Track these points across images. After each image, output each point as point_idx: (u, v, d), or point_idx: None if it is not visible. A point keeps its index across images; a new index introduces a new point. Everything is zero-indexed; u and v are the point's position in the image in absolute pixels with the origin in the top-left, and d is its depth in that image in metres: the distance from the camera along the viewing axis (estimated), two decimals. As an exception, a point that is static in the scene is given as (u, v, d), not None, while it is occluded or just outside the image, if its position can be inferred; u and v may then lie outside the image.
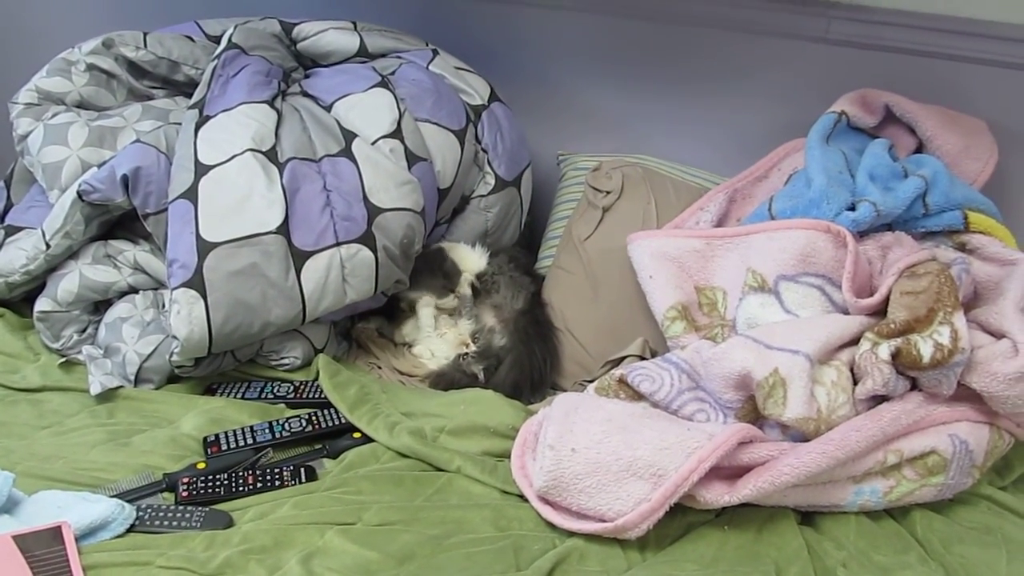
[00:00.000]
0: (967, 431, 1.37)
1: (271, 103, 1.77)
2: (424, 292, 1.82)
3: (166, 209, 1.66)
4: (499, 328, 1.82)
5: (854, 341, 1.44)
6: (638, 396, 1.48)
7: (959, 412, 1.39)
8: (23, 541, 1.17)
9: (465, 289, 1.85)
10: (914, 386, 1.41)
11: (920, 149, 1.75)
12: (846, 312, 1.50)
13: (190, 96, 1.84)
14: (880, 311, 1.47)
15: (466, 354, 1.78)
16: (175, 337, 1.58)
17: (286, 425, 1.54)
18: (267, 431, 1.52)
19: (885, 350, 1.37)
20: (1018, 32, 1.68)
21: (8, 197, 1.95)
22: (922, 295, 1.40)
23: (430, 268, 1.83)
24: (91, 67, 1.90)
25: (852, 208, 1.57)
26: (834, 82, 1.79)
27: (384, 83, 1.87)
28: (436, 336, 1.84)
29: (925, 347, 1.34)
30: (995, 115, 1.74)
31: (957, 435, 1.37)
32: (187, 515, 1.30)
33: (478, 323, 1.83)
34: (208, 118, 1.73)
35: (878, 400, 1.40)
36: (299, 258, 1.62)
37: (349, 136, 1.77)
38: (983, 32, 1.70)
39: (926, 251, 1.52)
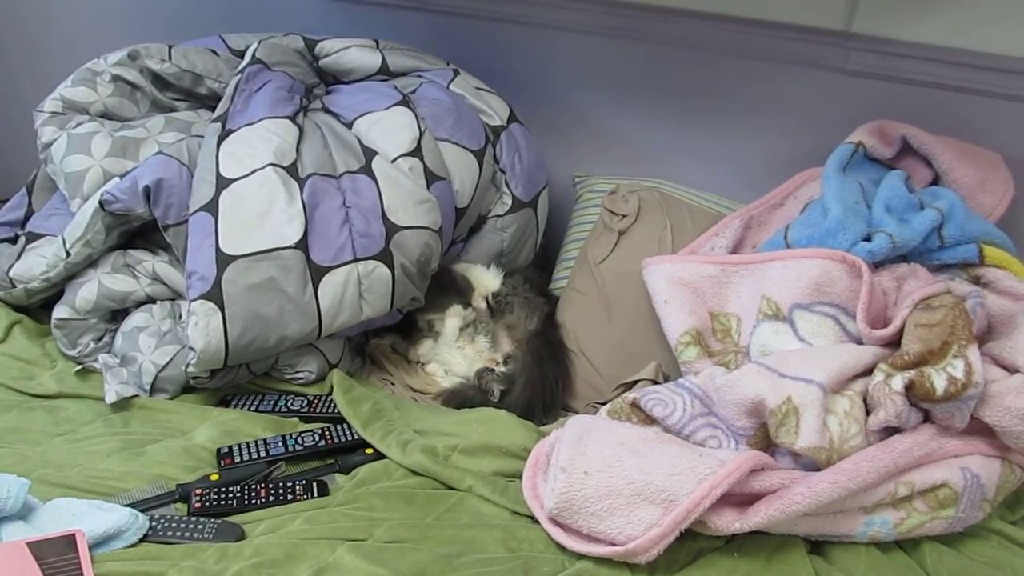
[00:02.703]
0: (979, 465, 1.37)
1: (293, 119, 1.78)
2: (451, 304, 1.84)
3: (186, 221, 1.68)
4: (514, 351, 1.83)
5: (867, 371, 1.44)
6: (650, 420, 1.48)
7: (971, 445, 1.39)
8: (38, 548, 1.17)
9: (480, 302, 1.86)
10: (927, 418, 1.41)
11: (936, 181, 1.75)
12: (860, 342, 1.50)
13: (213, 109, 1.86)
14: (894, 342, 1.47)
15: (491, 370, 1.79)
16: (192, 348, 1.59)
17: (299, 439, 1.54)
18: (280, 444, 1.53)
19: (898, 381, 1.37)
20: (1037, 68, 1.69)
21: (30, 204, 1.96)
22: (936, 328, 1.41)
23: (443, 289, 1.84)
24: (116, 78, 1.92)
25: (868, 239, 1.57)
26: (852, 113, 1.80)
27: (405, 101, 1.88)
28: (455, 348, 1.85)
29: (938, 380, 1.34)
30: (1012, 149, 1.74)
31: (969, 468, 1.36)
32: (199, 526, 1.30)
33: (496, 342, 1.84)
34: (230, 132, 1.74)
35: (890, 431, 1.40)
36: (317, 273, 1.63)
37: (369, 153, 1.78)
38: (1001, 67, 1.71)
39: (941, 284, 1.52)
